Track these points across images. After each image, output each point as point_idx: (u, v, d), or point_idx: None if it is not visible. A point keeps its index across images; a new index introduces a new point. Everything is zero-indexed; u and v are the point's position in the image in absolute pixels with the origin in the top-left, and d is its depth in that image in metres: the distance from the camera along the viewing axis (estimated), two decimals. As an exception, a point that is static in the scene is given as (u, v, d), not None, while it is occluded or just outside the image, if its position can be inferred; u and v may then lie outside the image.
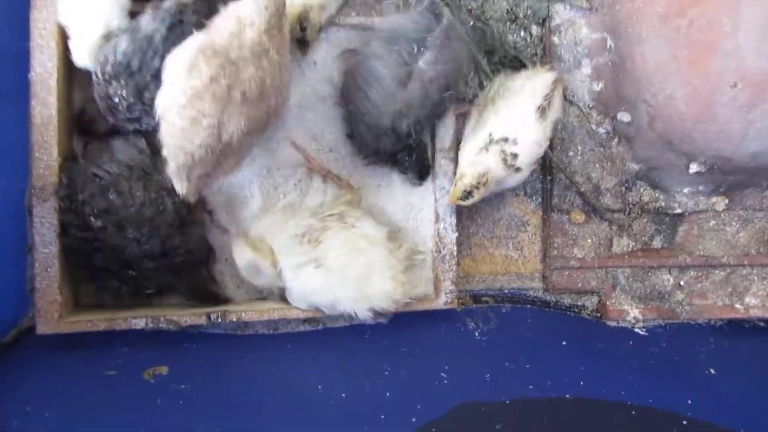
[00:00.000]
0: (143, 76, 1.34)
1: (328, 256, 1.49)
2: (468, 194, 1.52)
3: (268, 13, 1.23)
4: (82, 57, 1.42)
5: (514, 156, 1.53)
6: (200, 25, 1.28)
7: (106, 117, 1.44)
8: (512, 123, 1.53)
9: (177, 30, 1.33)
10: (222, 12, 1.27)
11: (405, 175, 1.67)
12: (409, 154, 1.60)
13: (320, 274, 1.49)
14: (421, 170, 1.66)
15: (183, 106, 1.23)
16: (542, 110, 1.54)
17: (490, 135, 1.53)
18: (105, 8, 1.40)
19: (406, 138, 1.52)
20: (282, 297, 1.58)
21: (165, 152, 1.29)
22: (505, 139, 1.52)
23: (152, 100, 1.31)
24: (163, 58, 1.29)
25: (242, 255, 1.52)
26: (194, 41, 1.24)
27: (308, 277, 1.50)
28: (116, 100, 1.37)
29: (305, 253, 1.49)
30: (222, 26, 1.24)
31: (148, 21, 1.35)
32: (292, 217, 1.56)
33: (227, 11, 1.26)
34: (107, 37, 1.39)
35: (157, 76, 1.30)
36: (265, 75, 1.26)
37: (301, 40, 1.54)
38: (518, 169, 1.55)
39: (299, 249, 1.50)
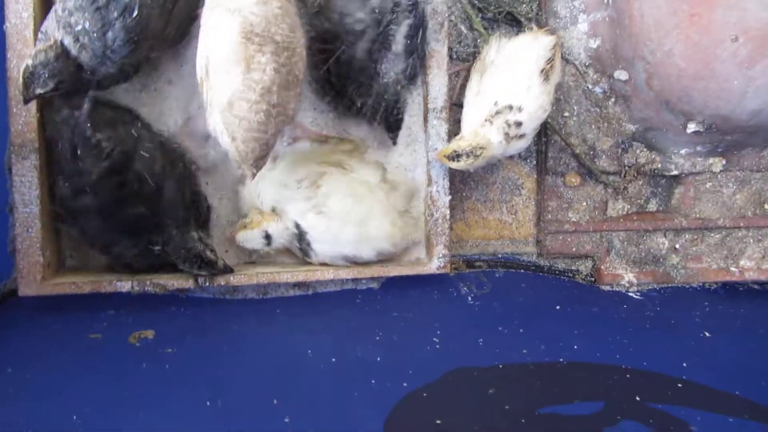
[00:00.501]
0: (109, 11, 1.29)
1: (328, 202, 1.52)
2: (457, 156, 1.51)
3: None
4: None
5: (518, 125, 1.51)
6: None
7: (65, 50, 1.34)
8: (517, 89, 1.52)
9: None
10: None
11: (376, 126, 1.62)
12: (377, 101, 1.53)
13: (322, 220, 1.52)
14: (390, 122, 1.59)
15: (256, 101, 1.23)
16: (545, 74, 1.52)
17: (496, 103, 1.51)
18: None
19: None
20: (302, 251, 1.59)
21: (232, 140, 1.28)
22: (510, 107, 1.50)
23: (114, 40, 1.30)
24: None
25: (248, 237, 1.55)
26: (230, 24, 1.21)
27: (310, 223, 1.53)
28: (78, 28, 1.31)
29: (306, 198, 1.52)
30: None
31: None
32: (292, 167, 1.56)
33: None
34: None
35: (123, 13, 1.29)
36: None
37: None
38: (522, 136, 1.54)
39: (299, 194, 1.52)
